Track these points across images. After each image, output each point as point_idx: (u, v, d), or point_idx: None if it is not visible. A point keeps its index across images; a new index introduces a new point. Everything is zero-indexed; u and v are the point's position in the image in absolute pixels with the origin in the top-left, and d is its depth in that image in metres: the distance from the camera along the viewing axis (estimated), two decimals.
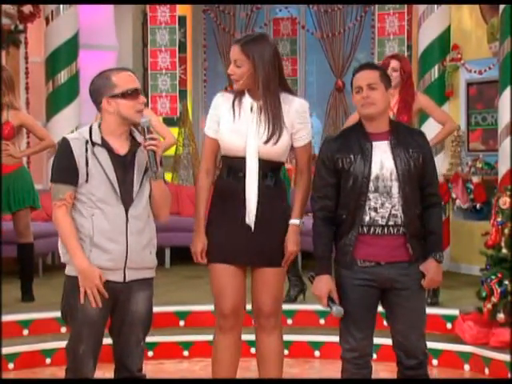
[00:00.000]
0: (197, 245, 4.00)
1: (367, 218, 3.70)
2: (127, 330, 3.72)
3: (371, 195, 3.69)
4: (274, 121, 3.90)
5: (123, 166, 3.66)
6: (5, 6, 8.55)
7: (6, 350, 5.66)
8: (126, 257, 3.64)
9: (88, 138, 3.65)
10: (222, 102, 3.99)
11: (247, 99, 3.95)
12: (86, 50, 9.15)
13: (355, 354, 3.77)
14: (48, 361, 5.70)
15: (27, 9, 8.90)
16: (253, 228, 3.92)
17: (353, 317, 3.75)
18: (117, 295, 3.68)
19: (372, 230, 3.71)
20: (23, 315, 6.07)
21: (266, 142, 3.89)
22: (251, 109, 3.93)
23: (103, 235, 3.62)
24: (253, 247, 3.94)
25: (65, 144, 3.66)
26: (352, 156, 3.70)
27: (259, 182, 3.91)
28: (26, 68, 9.22)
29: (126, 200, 3.65)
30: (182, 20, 10.59)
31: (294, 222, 4.01)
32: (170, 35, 10.19)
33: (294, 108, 3.95)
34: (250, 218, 3.92)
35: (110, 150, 3.66)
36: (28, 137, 8.37)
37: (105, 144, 3.66)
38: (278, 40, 10.73)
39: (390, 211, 3.70)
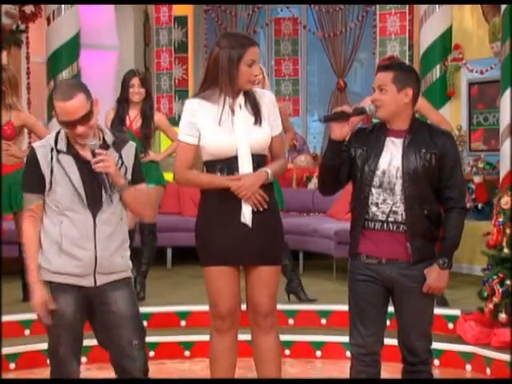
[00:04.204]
0: (246, 180, 3.87)
1: (369, 213, 3.74)
2: (115, 332, 3.71)
3: (374, 190, 3.73)
4: (255, 107, 3.94)
5: (90, 171, 3.63)
6: (6, 6, 8.56)
7: (7, 350, 5.67)
8: (96, 263, 3.66)
9: (53, 145, 3.65)
10: (198, 108, 3.94)
11: (225, 100, 3.91)
12: (87, 49, 9.15)
13: (362, 351, 3.79)
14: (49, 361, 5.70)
15: (29, 9, 8.91)
16: (250, 225, 3.90)
17: (359, 312, 3.78)
18: (91, 299, 3.71)
19: (372, 224, 3.75)
20: (24, 315, 6.06)
21: (255, 123, 3.92)
22: (231, 108, 3.92)
23: (71, 242, 3.65)
24: (248, 246, 3.92)
25: (31, 153, 3.68)
26: (365, 148, 3.76)
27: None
28: (28, 68, 9.23)
29: (94, 206, 3.64)
30: (183, 20, 10.60)
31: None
32: (169, 35, 10.23)
33: (268, 100, 4.01)
34: (246, 216, 3.91)
35: (76, 157, 3.65)
36: (30, 137, 8.37)
37: (71, 151, 3.65)
38: (279, 40, 10.74)
39: (391, 208, 3.72)
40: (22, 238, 6.45)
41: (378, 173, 3.72)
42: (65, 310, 3.67)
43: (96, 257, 3.65)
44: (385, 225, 3.74)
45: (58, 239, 3.65)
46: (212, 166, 3.97)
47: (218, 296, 3.97)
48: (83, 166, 3.64)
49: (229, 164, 3.91)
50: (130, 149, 3.76)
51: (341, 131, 3.71)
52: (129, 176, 3.72)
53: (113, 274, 3.70)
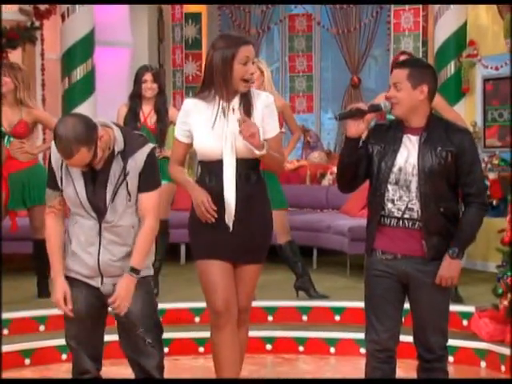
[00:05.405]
0: (200, 196, 3.88)
1: (385, 209, 3.75)
2: (127, 331, 3.76)
3: (391, 187, 3.73)
4: (246, 111, 3.92)
5: (95, 180, 3.63)
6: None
7: (22, 346, 5.70)
8: (99, 267, 3.68)
9: None
10: (193, 109, 3.97)
11: (219, 102, 3.92)
12: (101, 46, 9.17)
13: (377, 347, 3.78)
14: (64, 357, 5.70)
15: (43, 6, 8.94)
16: (231, 229, 3.92)
17: (374, 308, 3.78)
18: (103, 298, 3.74)
19: (388, 221, 3.75)
20: (39, 311, 6.09)
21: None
22: (223, 111, 3.92)
23: (79, 244, 3.70)
24: (237, 245, 3.95)
25: (50, 152, 3.70)
26: (382, 145, 3.76)
27: (241, 182, 3.92)
28: (42, 65, 9.27)
29: (99, 213, 3.64)
30: (197, 17, 10.61)
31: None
32: (181, 32, 10.25)
33: (262, 102, 3.98)
34: (229, 218, 3.92)
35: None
36: (44, 133, 8.40)
37: None
38: (293, 36, 10.73)
39: (407, 205, 3.72)
40: (35, 234, 6.54)
41: (395, 170, 3.73)
42: (75, 304, 3.72)
43: (99, 262, 3.67)
44: (400, 222, 3.74)
45: (71, 238, 3.72)
46: (204, 166, 4.01)
47: (212, 290, 3.97)
48: (89, 174, 3.64)
49: (218, 167, 3.92)
50: (140, 155, 3.66)
51: (357, 128, 3.71)
52: (132, 190, 3.65)
53: (121, 276, 3.71)
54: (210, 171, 3.96)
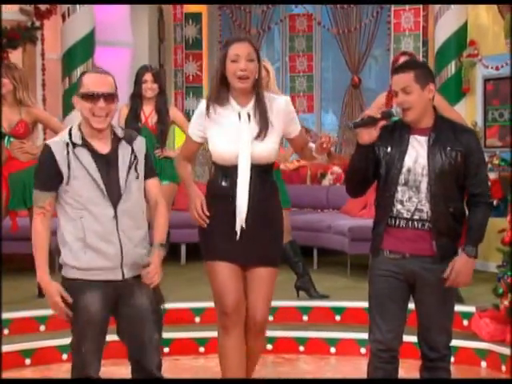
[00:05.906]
0: (194, 200, 3.99)
1: (394, 210, 3.75)
2: (138, 326, 3.73)
3: (400, 188, 3.74)
4: (262, 118, 3.94)
5: (106, 164, 3.67)
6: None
7: (22, 346, 5.70)
8: (122, 255, 3.66)
9: (68, 140, 3.66)
10: (209, 110, 3.99)
11: (234, 107, 3.96)
12: (101, 46, 9.17)
13: (380, 347, 3.78)
14: (64, 357, 5.71)
15: (43, 6, 8.94)
16: (238, 234, 3.94)
17: (378, 307, 3.78)
18: (119, 293, 3.71)
19: (397, 222, 3.75)
20: (40, 311, 6.09)
21: (257, 136, 3.93)
22: (239, 117, 3.94)
23: (96, 236, 3.64)
24: (248, 249, 3.96)
25: (46, 149, 3.69)
26: (390, 147, 3.76)
27: (255, 187, 3.94)
28: (43, 65, 9.27)
29: (114, 198, 3.65)
30: (198, 17, 10.62)
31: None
32: (181, 32, 10.25)
33: (280, 107, 4.01)
34: (239, 224, 3.94)
35: (91, 150, 3.67)
36: (44, 133, 8.40)
37: (86, 144, 3.67)
38: (294, 36, 10.73)
39: (416, 206, 3.72)
40: (32, 237, 6.52)
41: (404, 171, 3.73)
42: (91, 308, 3.65)
43: (121, 249, 3.66)
44: (409, 223, 3.74)
45: (81, 235, 3.64)
46: (218, 168, 4.04)
47: (223, 291, 3.99)
48: (99, 159, 3.67)
49: (232, 170, 3.95)
50: (140, 143, 3.78)
51: (369, 136, 3.73)
52: (140, 170, 3.73)
53: (139, 268, 3.71)
54: (224, 173, 3.99)
